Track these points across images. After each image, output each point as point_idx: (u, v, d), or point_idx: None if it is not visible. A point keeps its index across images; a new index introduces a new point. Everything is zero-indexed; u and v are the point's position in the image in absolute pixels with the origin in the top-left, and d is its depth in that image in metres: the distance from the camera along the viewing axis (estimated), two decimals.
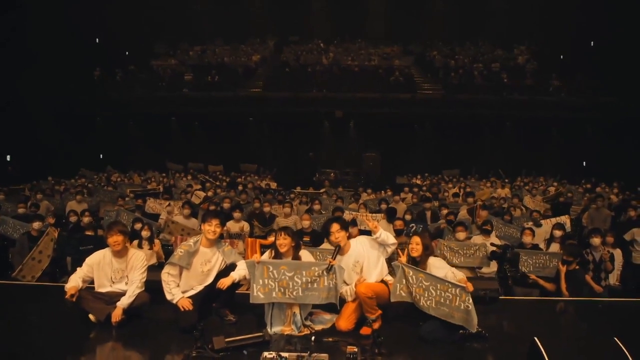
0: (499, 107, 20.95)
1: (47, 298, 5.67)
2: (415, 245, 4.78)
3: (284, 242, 4.58)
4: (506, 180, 17.77)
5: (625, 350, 3.10)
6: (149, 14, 23.85)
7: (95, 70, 22.65)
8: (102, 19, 21.37)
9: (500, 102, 20.94)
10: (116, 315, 4.48)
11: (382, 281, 4.78)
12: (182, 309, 4.48)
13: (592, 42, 22.38)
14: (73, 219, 8.58)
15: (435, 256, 4.88)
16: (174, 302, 4.55)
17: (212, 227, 4.74)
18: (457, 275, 4.52)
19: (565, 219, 8.85)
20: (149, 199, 10.46)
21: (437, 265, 4.66)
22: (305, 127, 21.92)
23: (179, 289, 4.64)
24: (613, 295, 6.55)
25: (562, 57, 23.72)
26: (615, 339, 3.20)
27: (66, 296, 4.51)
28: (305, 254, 4.77)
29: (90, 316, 4.58)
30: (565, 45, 23.24)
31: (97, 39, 23.46)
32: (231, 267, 4.80)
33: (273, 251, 4.69)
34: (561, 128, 21.11)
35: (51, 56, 18.82)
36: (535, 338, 3.21)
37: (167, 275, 4.62)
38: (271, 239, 6.10)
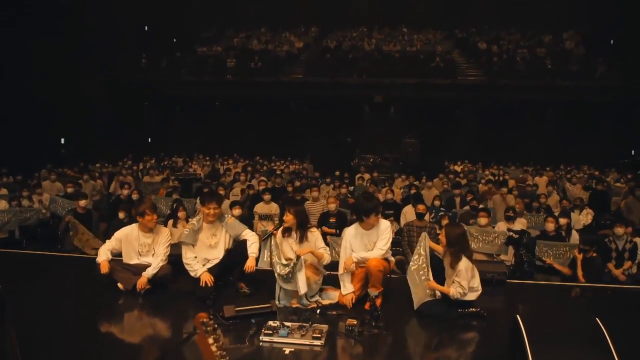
0: (541, 93, 20.34)
1: (83, 267, 6.21)
2: (440, 237, 4.76)
3: (286, 219, 4.81)
4: (547, 169, 17.35)
5: (604, 330, 3.20)
6: (196, 2, 24.49)
7: (142, 56, 23.57)
8: (150, 6, 22.10)
9: (542, 87, 20.34)
10: (141, 283, 4.95)
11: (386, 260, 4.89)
12: (203, 284, 4.80)
13: None
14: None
15: (469, 258, 4.51)
16: (197, 276, 4.86)
17: (210, 211, 4.97)
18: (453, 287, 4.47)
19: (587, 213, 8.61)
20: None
21: (460, 270, 4.42)
22: (345, 112, 21.96)
23: (200, 264, 4.94)
24: (636, 284, 6.49)
25: (612, 42, 22.74)
26: (597, 319, 3.28)
27: (102, 272, 4.99)
28: (314, 235, 4.89)
29: (119, 285, 5.06)
30: (617, 30, 22.22)
31: (145, 27, 24.25)
32: (243, 242, 5.08)
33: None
34: (607, 114, 20.26)
35: (100, 43, 19.51)
36: (517, 316, 3.26)
37: (188, 259, 4.91)
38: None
